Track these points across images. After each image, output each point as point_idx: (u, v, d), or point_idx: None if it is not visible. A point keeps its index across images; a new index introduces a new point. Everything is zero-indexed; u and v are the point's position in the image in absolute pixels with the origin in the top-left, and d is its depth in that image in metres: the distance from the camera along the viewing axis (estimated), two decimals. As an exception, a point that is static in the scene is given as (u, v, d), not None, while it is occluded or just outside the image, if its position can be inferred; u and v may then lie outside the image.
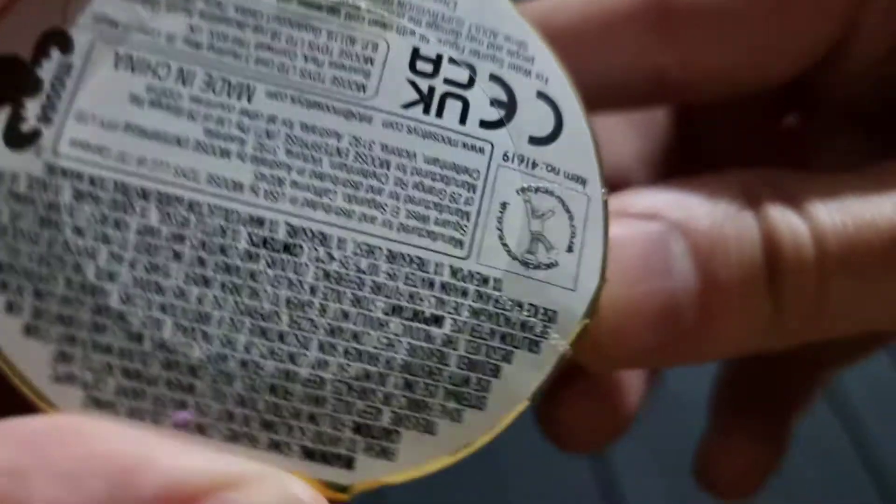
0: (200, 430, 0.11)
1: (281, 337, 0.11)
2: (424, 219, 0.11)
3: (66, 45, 0.11)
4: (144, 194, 0.11)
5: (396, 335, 0.11)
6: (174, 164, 0.11)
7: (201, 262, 0.11)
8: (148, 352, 0.11)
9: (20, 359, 0.10)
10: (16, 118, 0.11)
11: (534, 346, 0.11)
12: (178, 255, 0.11)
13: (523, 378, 0.11)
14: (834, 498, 0.27)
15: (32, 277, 0.10)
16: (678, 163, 0.19)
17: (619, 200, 0.13)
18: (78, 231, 0.11)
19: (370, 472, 0.11)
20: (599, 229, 0.12)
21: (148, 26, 0.11)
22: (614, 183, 0.13)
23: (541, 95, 0.12)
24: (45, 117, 0.11)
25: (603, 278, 0.12)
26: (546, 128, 0.12)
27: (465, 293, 0.11)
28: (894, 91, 0.16)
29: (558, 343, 0.12)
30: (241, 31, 0.12)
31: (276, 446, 0.11)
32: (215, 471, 0.09)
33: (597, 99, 0.13)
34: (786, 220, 0.13)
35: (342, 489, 0.11)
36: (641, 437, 0.27)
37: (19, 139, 0.11)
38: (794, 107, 0.18)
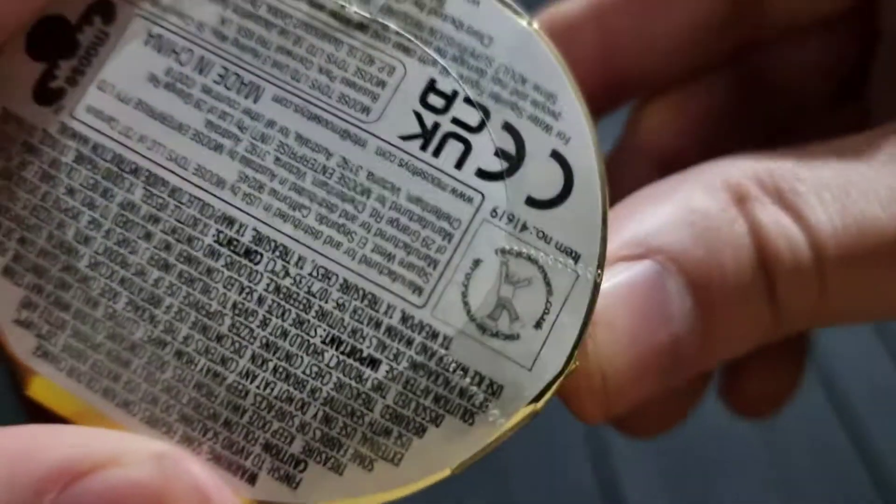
0: (125, 405, 0.11)
1: (219, 338, 0.11)
2: (390, 256, 0.11)
3: (109, 15, 0.12)
4: (136, 171, 0.11)
5: (328, 367, 0.11)
6: (170, 147, 0.11)
7: (167, 247, 0.11)
8: (99, 319, 0.11)
9: None
10: (48, 75, 0.12)
11: (468, 417, 0.11)
12: (149, 236, 0.11)
13: (449, 446, 0.11)
14: (833, 496, 0.26)
15: (21, 224, 0.11)
16: (748, 118, 0.18)
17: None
18: (70, 191, 0.11)
19: (270, 494, 0.11)
20: (580, 312, 0.11)
21: (185, 11, 0.12)
22: (664, 156, 0.13)
23: (555, 155, 0.11)
24: (73, 80, 0.12)
25: (569, 366, 0.11)
26: (550, 191, 0.11)
27: (409, 342, 0.11)
28: None
29: (496, 420, 0.11)
30: (268, 31, 0.12)
31: (188, 441, 0.11)
32: (99, 449, 0.10)
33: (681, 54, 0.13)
34: (779, 226, 0.12)
35: None
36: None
37: (46, 95, 0.12)
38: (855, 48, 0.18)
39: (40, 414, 0.11)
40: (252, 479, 0.11)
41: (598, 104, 0.15)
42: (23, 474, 0.09)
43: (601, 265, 0.11)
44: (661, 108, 0.18)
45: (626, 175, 0.18)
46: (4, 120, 0.11)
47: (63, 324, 0.11)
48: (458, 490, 0.26)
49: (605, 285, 0.12)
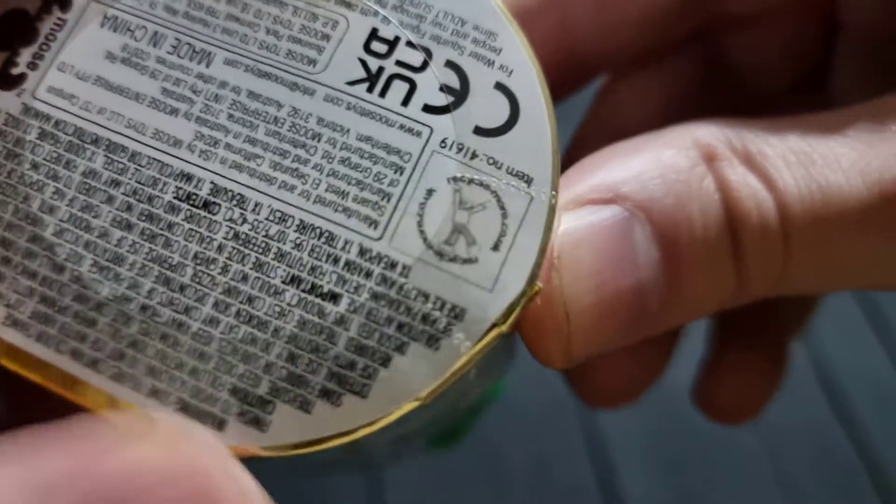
0: (93, 364, 0.11)
1: (181, 288, 0.11)
2: (343, 194, 0.11)
3: (66, 3, 0.12)
4: (96, 140, 0.12)
5: (290, 305, 0.11)
6: (128, 116, 0.12)
7: (129, 207, 0.11)
8: (65, 283, 0.11)
9: None
10: (9, 63, 0.12)
11: (433, 342, 0.11)
12: (111, 199, 0.11)
13: (416, 374, 0.11)
14: (832, 496, 0.26)
15: None
16: (710, 105, 0.18)
17: (571, 180, 0.12)
18: (34, 166, 0.12)
19: (239, 439, 0.11)
20: (537, 233, 0.11)
21: None
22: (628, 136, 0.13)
23: (499, 86, 0.12)
24: (33, 64, 0.12)
25: (531, 285, 0.11)
26: (497, 120, 0.11)
27: (368, 274, 0.11)
28: None
29: (461, 344, 0.11)
30: (216, 1, 0.12)
31: (155, 393, 0.11)
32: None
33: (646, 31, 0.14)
34: (748, 187, 0.12)
35: None
36: (640, 435, 0.27)
37: (8, 80, 0.12)
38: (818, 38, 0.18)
39: (12, 381, 0.11)
40: (221, 426, 0.11)
41: (559, 85, 0.15)
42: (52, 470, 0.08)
43: (555, 187, 0.11)
44: (625, 89, 0.19)
45: (589, 151, 0.18)
46: None
47: (31, 292, 0.11)
48: (457, 489, 0.25)
49: (571, 225, 0.12)
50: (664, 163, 0.12)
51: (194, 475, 0.08)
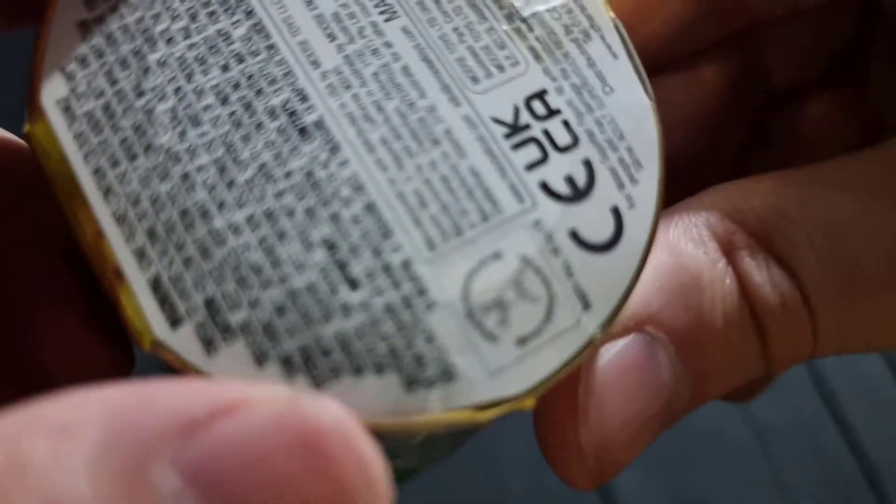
0: (106, 192, 0.10)
1: (230, 183, 0.11)
2: (424, 205, 0.11)
3: None
4: (250, 13, 0.11)
5: (312, 263, 0.10)
6: (291, 12, 0.12)
7: (237, 86, 0.11)
8: (136, 107, 0.11)
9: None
10: None
11: (410, 384, 0.10)
12: (226, 68, 0.11)
13: (374, 402, 0.10)
14: (827, 496, 0.26)
15: None
16: (737, 102, 0.18)
17: None
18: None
19: (182, 347, 0.10)
20: (564, 355, 0.11)
21: None
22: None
23: (615, 212, 0.11)
24: None
25: (525, 398, 0.10)
26: (595, 238, 0.11)
27: (397, 285, 0.10)
28: None
29: (432, 406, 0.10)
30: None
31: (140, 256, 0.10)
32: (219, 396, 0.08)
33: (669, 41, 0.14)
34: (768, 275, 0.12)
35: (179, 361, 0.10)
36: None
37: None
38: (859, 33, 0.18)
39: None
40: (175, 323, 0.10)
41: None
42: (132, 431, 0.07)
43: (604, 326, 0.11)
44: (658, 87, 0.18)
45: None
46: None
47: (101, 93, 0.11)
48: (457, 487, 0.24)
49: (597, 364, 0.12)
50: (684, 267, 0.13)
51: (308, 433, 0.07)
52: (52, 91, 0.11)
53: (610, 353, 0.12)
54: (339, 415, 0.08)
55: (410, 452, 0.13)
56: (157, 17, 0.11)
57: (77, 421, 0.07)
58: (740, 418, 0.28)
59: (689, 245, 0.13)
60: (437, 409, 0.10)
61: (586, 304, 0.11)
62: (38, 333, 0.12)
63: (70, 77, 0.11)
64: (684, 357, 0.12)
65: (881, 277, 0.12)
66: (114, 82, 0.11)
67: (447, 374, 0.10)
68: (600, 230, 0.11)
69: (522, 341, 0.11)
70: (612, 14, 0.12)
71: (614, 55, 0.12)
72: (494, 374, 0.10)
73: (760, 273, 0.13)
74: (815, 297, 0.13)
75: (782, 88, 0.19)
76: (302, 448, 0.07)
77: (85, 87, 0.11)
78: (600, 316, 0.11)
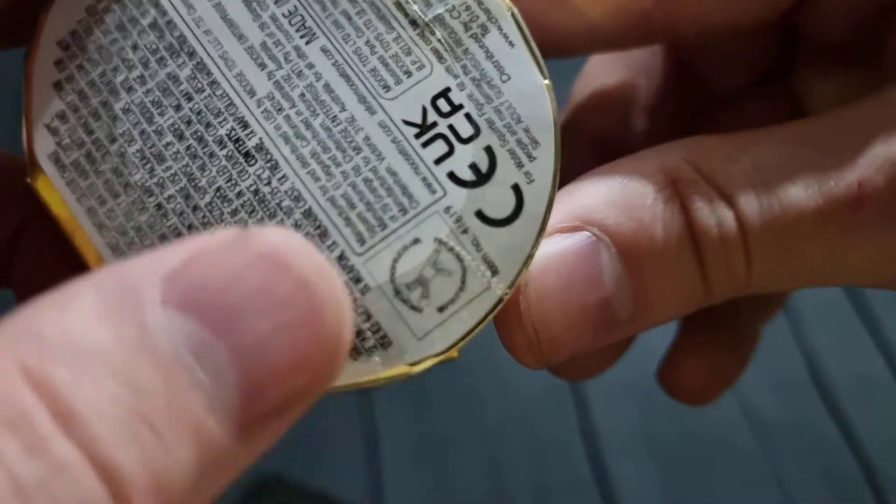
0: (100, 227, 0.13)
1: (195, 208, 0.13)
2: (352, 206, 0.13)
3: None
4: (192, 54, 0.14)
5: None
6: (226, 48, 0.14)
7: (189, 122, 0.13)
8: (111, 153, 0.13)
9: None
10: None
11: (354, 353, 0.13)
12: (178, 107, 0.13)
13: None
14: (825, 492, 0.27)
15: (85, 54, 0.13)
16: (679, 100, 0.20)
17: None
18: (134, 47, 0.14)
19: None
20: (478, 315, 0.13)
21: None
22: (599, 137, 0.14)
23: (515, 188, 0.14)
24: None
25: (449, 351, 0.13)
26: (499, 213, 0.13)
27: None
28: (866, 29, 0.16)
29: (375, 366, 0.13)
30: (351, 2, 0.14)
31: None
32: (186, 247, 0.10)
33: (591, 41, 0.15)
34: (710, 205, 0.14)
35: None
36: (634, 429, 0.28)
37: None
38: (784, 46, 0.19)
39: (35, 206, 0.13)
40: None
41: None
42: (114, 285, 0.09)
43: (511, 286, 0.13)
44: (596, 94, 0.20)
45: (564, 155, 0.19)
46: None
47: (82, 144, 0.13)
48: (455, 486, 0.27)
49: (540, 252, 0.14)
50: (631, 188, 0.14)
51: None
52: (43, 146, 0.13)
53: (552, 245, 0.14)
54: (282, 232, 0.10)
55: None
56: (116, 69, 0.14)
57: (73, 295, 0.09)
58: (741, 417, 0.28)
59: (638, 174, 0.14)
60: (378, 370, 0.13)
61: (494, 271, 0.13)
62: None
63: (55, 132, 0.13)
64: (625, 264, 0.14)
65: (813, 222, 0.14)
66: (90, 132, 0.13)
67: (384, 343, 0.13)
68: (503, 206, 0.13)
69: (442, 308, 0.13)
70: (508, 2, 0.14)
71: (511, 44, 0.14)
72: (422, 338, 0.13)
73: (702, 202, 0.14)
74: (751, 228, 0.14)
75: (719, 92, 0.20)
76: (263, 258, 0.09)
77: (68, 140, 0.13)
78: (507, 278, 0.13)
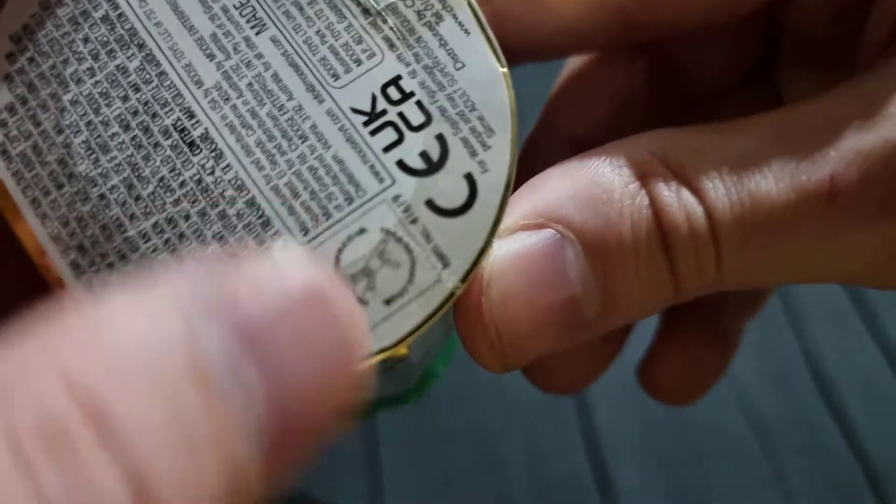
0: (43, 217, 0.13)
1: (137, 198, 0.13)
2: (296, 195, 0.13)
3: None
4: (141, 46, 0.13)
5: (208, 256, 0.13)
6: (176, 40, 0.13)
7: (135, 113, 0.13)
8: (57, 144, 0.13)
9: None
10: None
11: (296, 348, 0.12)
12: (125, 98, 0.13)
13: None
14: (825, 490, 0.27)
15: (37, 47, 0.13)
16: (661, 100, 0.19)
17: (510, 205, 0.13)
18: (85, 40, 0.13)
19: None
20: (427, 309, 0.13)
21: None
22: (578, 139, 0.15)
23: (468, 178, 0.13)
24: None
25: (397, 346, 0.12)
26: (451, 203, 0.13)
27: None
28: (846, 23, 0.16)
29: None
30: None
31: (75, 266, 0.13)
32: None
33: (570, 40, 0.14)
34: (678, 200, 0.13)
35: None
36: (635, 428, 0.28)
37: None
38: (767, 45, 0.18)
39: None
40: None
41: None
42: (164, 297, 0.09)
43: (463, 280, 0.13)
44: (575, 93, 0.19)
45: (540, 155, 0.19)
46: None
47: (29, 135, 0.13)
48: (455, 484, 0.26)
49: (502, 251, 0.13)
50: (597, 183, 0.13)
51: (320, 297, 0.09)
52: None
53: (518, 240, 0.13)
54: (324, 272, 0.09)
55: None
56: (66, 61, 0.13)
57: (122, 304, 0.08)
58: (740, 415, 0.28)
59: (605, 168, 0.14)
60: None
61: (446, 263, 0.13)
62: None
63: (3, 124, 0.13)
64: (592, 262, 0.13)
65: (785, 217, 0.13)
66: (38, 124, 0.13)
67: None
68: (455, 196, 0.13)
69: (389, 301, 0.12)
70: None
71: (466, 32, 0.14)
72: (367, 332, 0.12)
73: (671, 197, 0.13)
74: (721, 224, 0.13)
75: (702, 93, 0.19)
76: (308, 302, 0.09)
77: (16, 132, 0.13)
78: (459, 272, 0.13)
